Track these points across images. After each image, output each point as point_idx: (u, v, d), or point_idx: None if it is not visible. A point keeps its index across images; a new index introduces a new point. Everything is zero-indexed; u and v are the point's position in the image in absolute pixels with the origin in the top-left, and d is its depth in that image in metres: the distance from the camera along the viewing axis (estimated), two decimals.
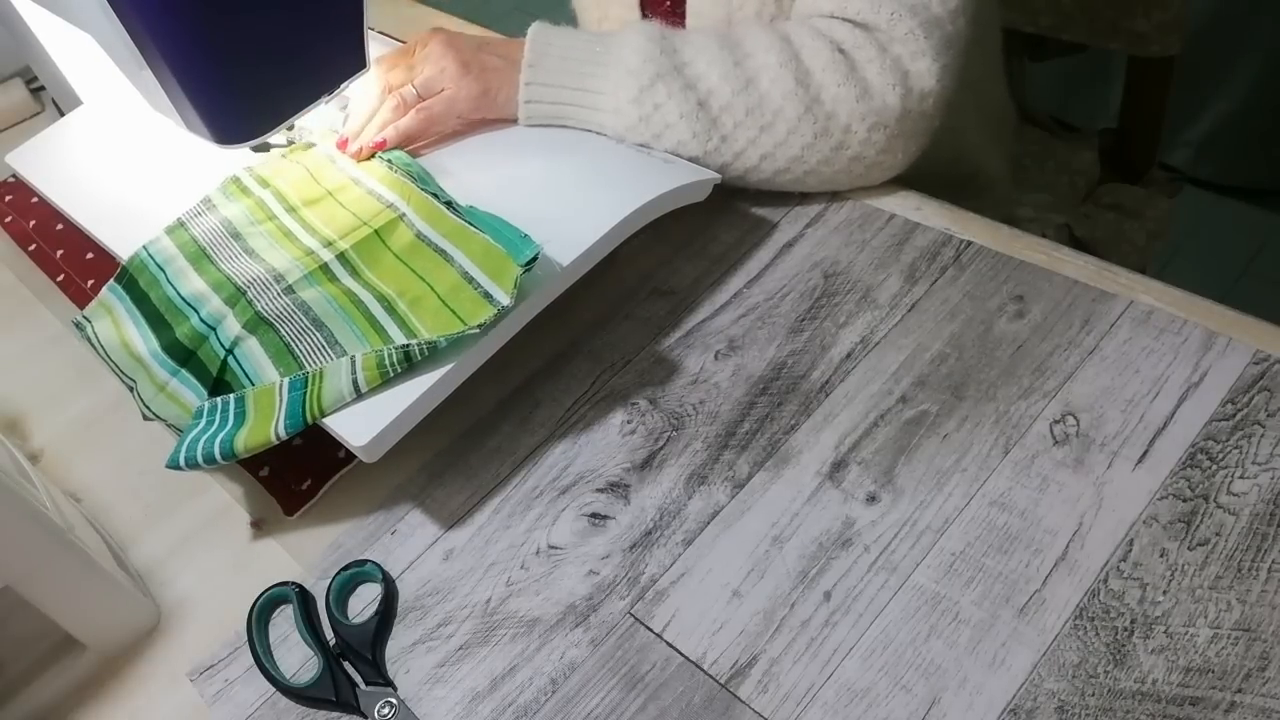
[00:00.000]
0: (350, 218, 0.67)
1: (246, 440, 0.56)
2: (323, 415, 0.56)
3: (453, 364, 0.56)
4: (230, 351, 0.61)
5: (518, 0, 2.46)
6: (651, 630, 0.52)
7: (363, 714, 0.51)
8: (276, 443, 0.56)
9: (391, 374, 0.55)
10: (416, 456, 0.61)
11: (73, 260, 0.79)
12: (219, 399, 0.59)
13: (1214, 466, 0.52)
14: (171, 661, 0.56)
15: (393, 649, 0.54)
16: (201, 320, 0.63)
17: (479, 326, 0.56)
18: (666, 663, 0.51)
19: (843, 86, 0.65)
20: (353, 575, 0.56)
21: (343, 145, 0.71)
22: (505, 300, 0.57)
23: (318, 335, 0.60)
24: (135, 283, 0.68)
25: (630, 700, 0.50)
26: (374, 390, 0.56)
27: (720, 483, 0.57)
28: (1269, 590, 0.48)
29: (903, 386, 0.59)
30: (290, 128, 0.72)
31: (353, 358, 0.56)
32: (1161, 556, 0.50)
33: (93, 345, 0.66)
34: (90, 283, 0.77)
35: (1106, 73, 1.50)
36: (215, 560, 0.60)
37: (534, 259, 0.57)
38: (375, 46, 0.76)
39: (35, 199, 0.85)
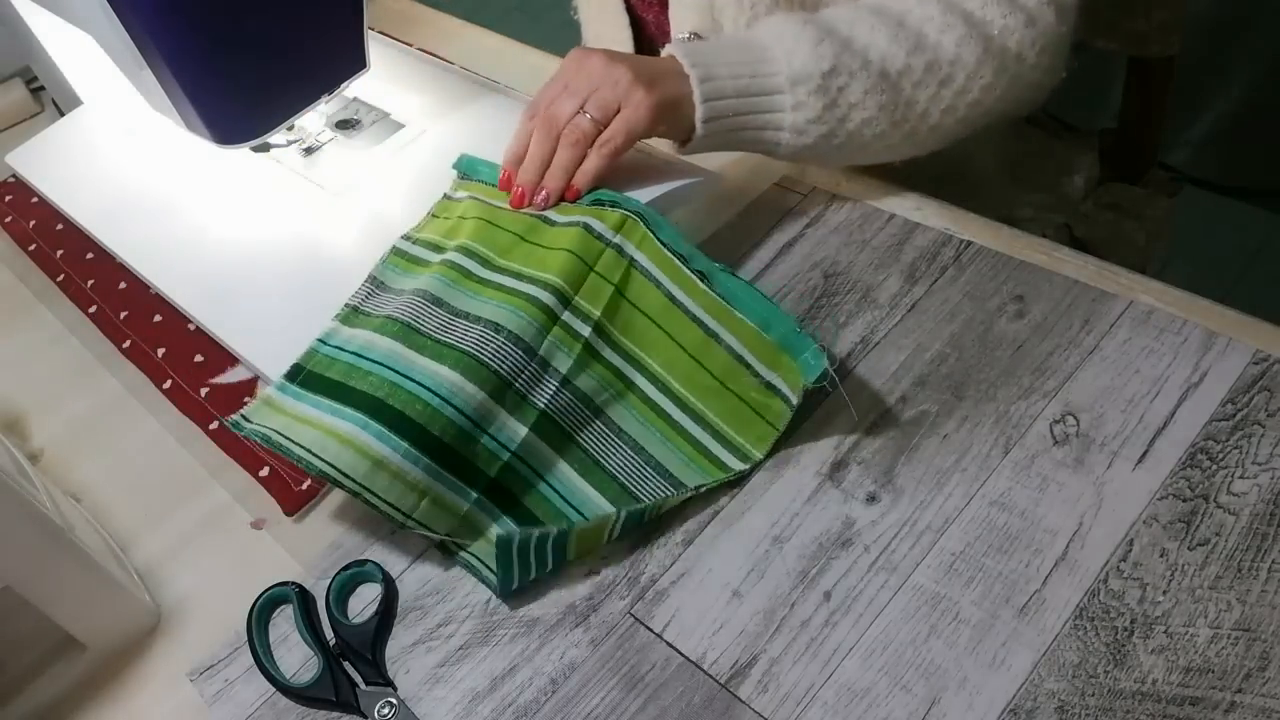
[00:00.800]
0: (566, 257, 0.59)
1: (578, 548, 0.54)
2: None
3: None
4: (537, 472, 0.57)
5: (518, 0, 2.46)
6: (651, 630, 0.52)
7: (363, 714, 0.51)
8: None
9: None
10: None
11: (73, 260, 0.79)
12: (543, 538, 0.52)
13: (1214, 466, 0.52)
14: (171, 661, 0.56)
15: (393, 649, 0.54)
16: (433, 393, 0.55)
17: (783, 431, 0.56)
18: (666, 663, 0.51)
19: (1008, 18, 0.64)
20: (353, 575, 0.56)
21: (520, 200, 0.64)
22: (794, 398, 0.55)
23: (621, 446, 0.58)
24: (310, 373, 0.60)
25: (630, 700, 0.50)
26: None
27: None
28: (1269, 590, 0.48)
29: (903, 386, 0.59)
30: (290, 128, 0.72)
31: (698, 488, 0.55)
32: (1161, 556, 0.50)
33: (253, 436, 0.57)
34: (90, 283, 0.77)
35: (1106, 73, 1.50)
36: (215, 560, 0.60)
37: (823, 375, 0.53)
38: (375, 46, 0.76)
39: (35, 199, 0.85)
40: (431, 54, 0.88)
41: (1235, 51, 1.56)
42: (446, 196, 0.69)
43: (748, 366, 0.56)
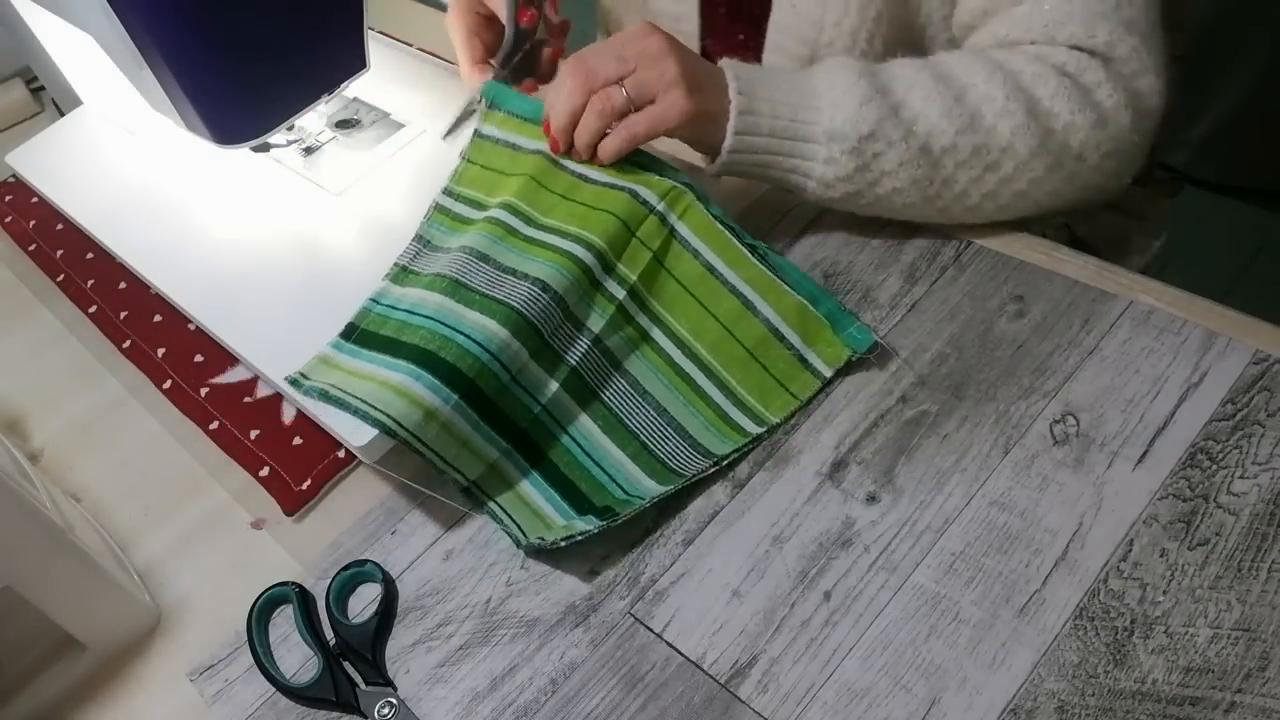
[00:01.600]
0: (610, 220, 0.61)
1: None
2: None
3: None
4: (562, 426, 0.59)
5: None
6: (651, 630, 0.52)
7: (363, 714, 0.51)
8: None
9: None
10: (417, 456, 0.61)
11: (73, 260, 0.79)
12: (592, 525, 0.53)
13: (1214, 466, 0.52)
14: (171, 661, 0.56)
15: (393, 649, 0.54)
16: (483, 348, 0.56)
17: (808, 400, 0.59)
18: (666, 663, 0.51)
19: (1077, 115, 0.60)
20: (353, 575, 0.56)
21: (555, 148, 0.64)
22: (827, 372, 0.59)
23: (644, 406, 0.59)
24: (364, 332, 0.62)
25: (630, 700, 0.50)
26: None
27: (720, 483, 0.57)
28: (1269, 590, 0.48)
29: (903, 386, 0.59)
30: (290, 128, 0.72)
31: (719, 460, 0.56)
32: (1161, 556, 0.50)
33: (310, 394, 0.59)
34: (90, 283, 0.77)
35: None
36: (215, 560, 0.60)
37: (873, 345, 0.59)
38: (375, 46, 0.76)
39: (35, 199, 0.85)
40: (431, 54, 0.88)
41: (1235, 51, 1.56)
42: (479, 134, 0.69)
43: (782, 339, 0.59)
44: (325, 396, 0.57)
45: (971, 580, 0.51)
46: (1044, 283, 0.62)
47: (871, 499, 0.55)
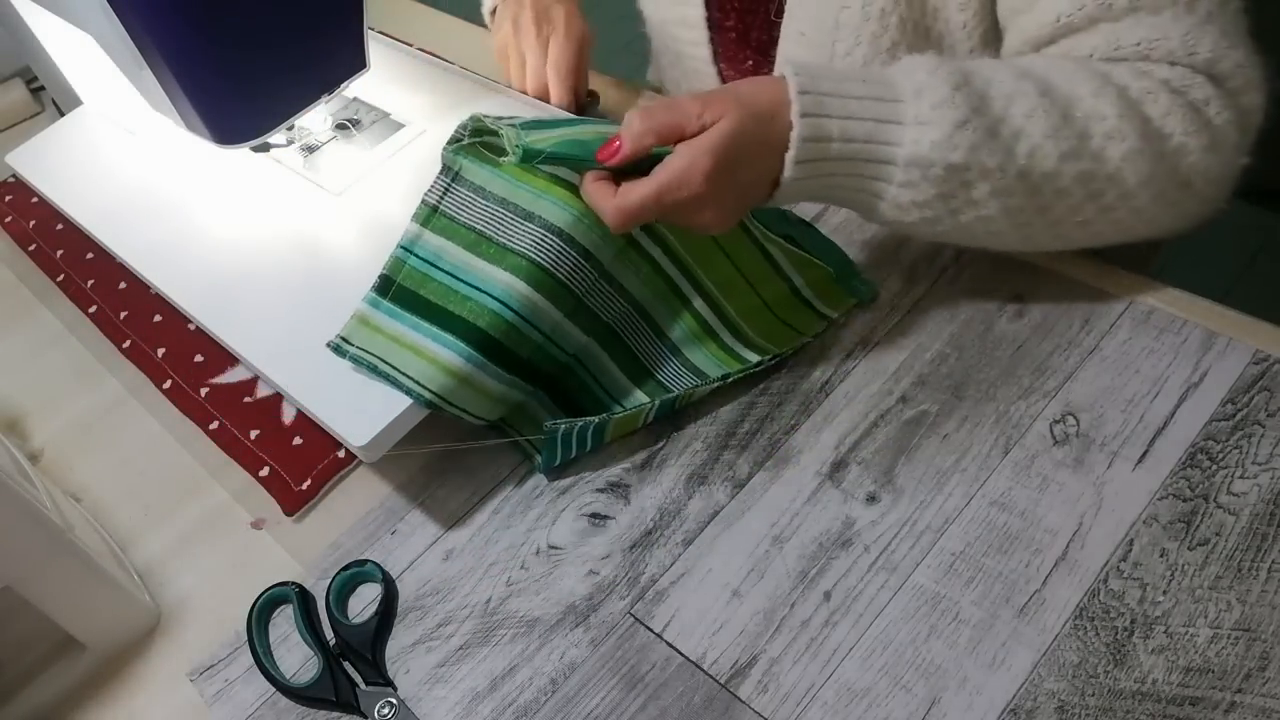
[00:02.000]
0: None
1: (615, 431, 0.60)
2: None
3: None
4: (588, 369, 0.62)
5: None
6: (651, 630, 0.52)
7: (363, 714, 0.51)
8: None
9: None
10: (417, 456, 0.61)
11: (73, 260, 0.79)
12: (585, 428, 0.58)
13: (1214, 466, 0.52)
14: (171, 661, 0.56)
15: (393, 649, 0.54)
16: (533, 325, 0.58)
17: (813, 336, 0.63)
18: (666, 663, 0.51)
19: (1190, 138, 0.53)
20: (353, 575, 0.56)
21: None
22: (834, 314, 0.63)
23: (669, 356, 0.63)
24: (401, 288, 0.61)
25: (630, 700, 0.50)
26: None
27: (720, 483, 0.57)
28: (1269, 590, 0.48)
29: (903, 386, 0.59)
30: (290, 128, 0.72)
31: (725, 376, 0.60)
32: (1161, 556, 0.50)
33: (357, 361, 0.58)
34: (90, 283, 0.77)
35: None
36: (215, 560, 0.60)
37: (875, 297, 0.64)
38: (375, 46, 0.76)
39: (35, 199, 0.85)
40: (431, 54, 0.88)
41: None
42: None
43: (799, 295, 0.64)
44: (374, 370, 0.58)
45: (971, 580, 0.51)
46: (1044, 283, 0.62)
47: (871, 499, 0.55)
